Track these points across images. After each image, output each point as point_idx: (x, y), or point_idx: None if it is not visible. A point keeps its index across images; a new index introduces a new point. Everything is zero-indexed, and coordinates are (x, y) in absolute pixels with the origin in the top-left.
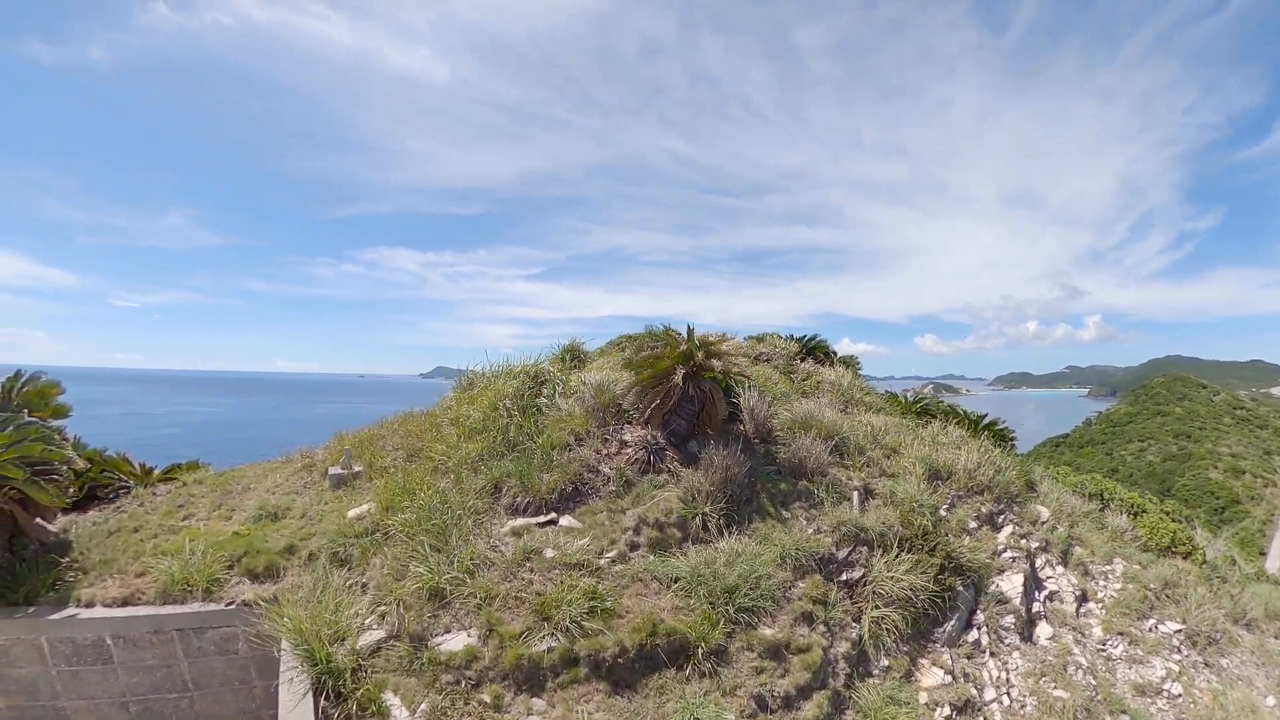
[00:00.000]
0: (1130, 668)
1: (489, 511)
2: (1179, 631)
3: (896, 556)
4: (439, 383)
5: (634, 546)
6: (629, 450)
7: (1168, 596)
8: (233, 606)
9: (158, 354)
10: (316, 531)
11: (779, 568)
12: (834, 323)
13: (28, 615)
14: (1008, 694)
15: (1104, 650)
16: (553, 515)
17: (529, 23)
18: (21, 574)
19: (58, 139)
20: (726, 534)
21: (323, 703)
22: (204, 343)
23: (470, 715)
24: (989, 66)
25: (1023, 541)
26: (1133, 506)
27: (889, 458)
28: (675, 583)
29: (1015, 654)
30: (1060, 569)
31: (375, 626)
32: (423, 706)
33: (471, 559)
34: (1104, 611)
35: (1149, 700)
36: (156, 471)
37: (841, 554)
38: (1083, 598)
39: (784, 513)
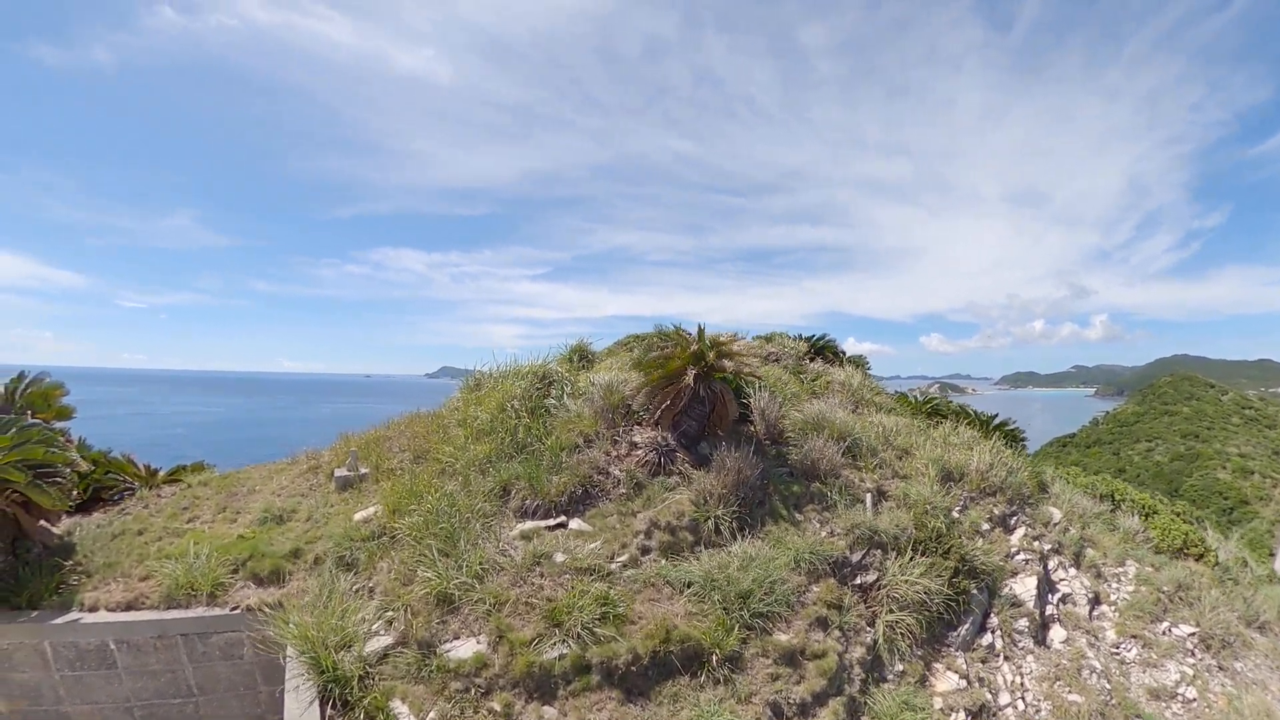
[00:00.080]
0: (1144, 671)
1: (497, 514)
2: (1193, 634)
3: (910, 559)
4: (445, 383)
5: (645, 550)
6: (639, 452)
7: (1181, 599)
8: (238, 611)
9: (162, 354)
10: (322, 535)
11: (793, 571)
12: (840, 322)
13: (31, 619)
14: (1022, 698)
15: (1118, 653)
16: (562, 518)
17: (532, 23)
18: (25, 577)
19: (64, 141)
20: (739, 537)
21: (329, 710)
22: (209, 343)
23: None
24: (993, 65)
25: (1035, 544)
26: (1144, 508)
27: (901, 459)
28: (688, 588)
29: (1029, 658)
30: (1073, 571)
31: (382, 632)
32: (431, 715)
33: (480, 563)
34: (1117, 614)
35: (1163, 704)
36: (161, 473)
37: (855, 557)
38: (1096, 600)
39: (797, 515)
